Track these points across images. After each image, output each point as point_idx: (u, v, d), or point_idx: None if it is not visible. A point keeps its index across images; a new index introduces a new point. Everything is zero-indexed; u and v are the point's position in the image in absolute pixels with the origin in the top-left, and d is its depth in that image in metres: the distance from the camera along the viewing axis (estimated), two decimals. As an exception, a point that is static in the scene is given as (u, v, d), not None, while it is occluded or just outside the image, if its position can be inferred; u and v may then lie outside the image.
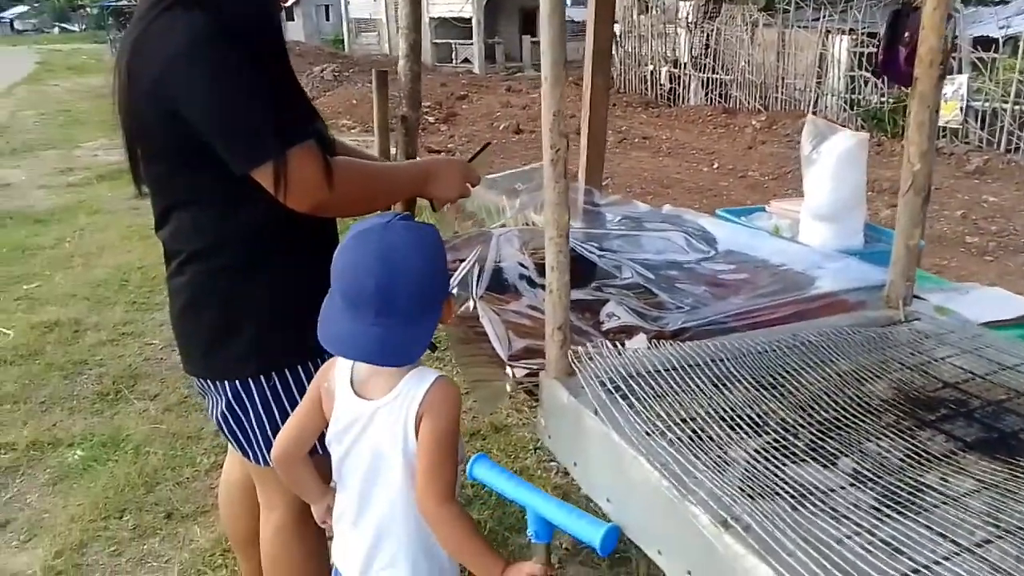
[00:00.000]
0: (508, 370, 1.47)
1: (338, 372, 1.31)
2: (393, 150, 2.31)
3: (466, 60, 21.06)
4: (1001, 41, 8.75)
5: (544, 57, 1.23)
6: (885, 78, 8.55)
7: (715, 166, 8.49)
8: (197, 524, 2.47)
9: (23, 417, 3.11)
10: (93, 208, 6.18)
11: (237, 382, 1.51)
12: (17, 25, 57.85)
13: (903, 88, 8.77)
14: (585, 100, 2.59)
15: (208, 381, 1.56)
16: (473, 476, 1.26)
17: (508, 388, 1.46)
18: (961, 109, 8.66)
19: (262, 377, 1.51)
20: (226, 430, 1.59)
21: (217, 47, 1.27)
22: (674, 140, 10.03)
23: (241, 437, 1.56)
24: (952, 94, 8.58)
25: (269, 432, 1.51)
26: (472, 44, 21.01)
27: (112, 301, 4.25)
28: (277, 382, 1.51)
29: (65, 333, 3.84)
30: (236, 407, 1.53)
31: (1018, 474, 1.03)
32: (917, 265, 2.27)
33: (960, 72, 8.84)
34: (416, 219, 1.82)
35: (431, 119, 10.90)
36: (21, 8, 62.70)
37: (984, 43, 8.91)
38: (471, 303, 1.69)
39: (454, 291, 1.75)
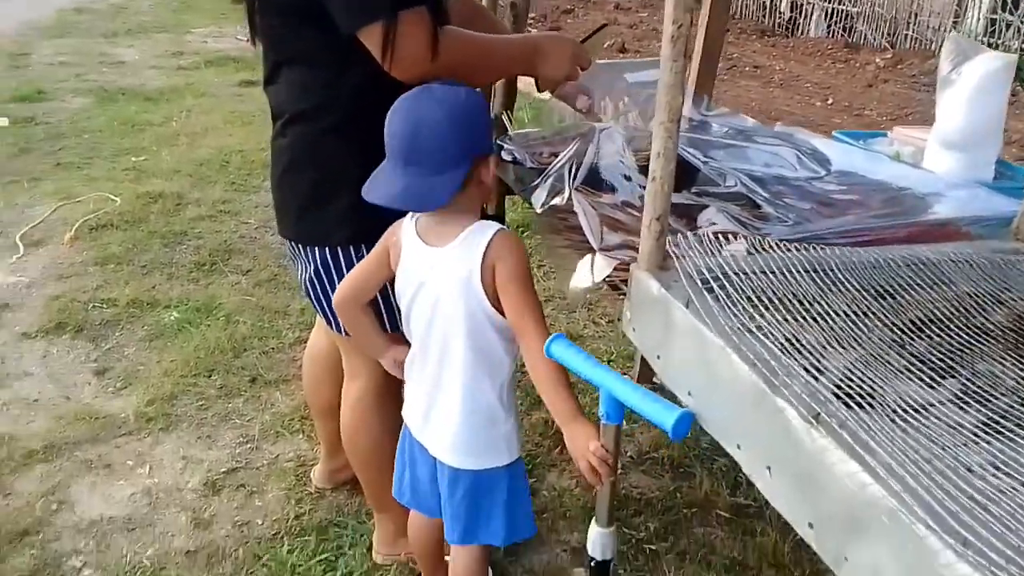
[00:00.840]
0: (599, 260, 1.43)
1: (405, 225, 1.38)
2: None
3: (575, -26, 20.19)
4: None
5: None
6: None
7: (829, 102, 7.99)
8: (279, 391, 2.59)
9: (125, 278, 3.29)
10: (200, 91, 6.34)
11: (327, 249, 1.54)
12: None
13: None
14: (702, 23, 2.43)
15: (299, 245, 1.59)
16: (550, 354, 1.25)
17: (596, 278, 1.42)
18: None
19: (351, 247, 1.53)
20: (312, 296, 1.63)
21: None
22: (788, 72, 9.46)
23: (326, 304, 1.60)
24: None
25: None
26: (583, -42, 20.09)
27: (213, 180, 4.40)
28: (366, 252, 1.53)
29: (168, 205, 4.01)
30: (323, 274, 1.56)
31: None
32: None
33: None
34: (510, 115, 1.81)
35: (533, 31, 10.62)
36: None
37: None
38: (565, 194, 1.65)
39: (548, 182, 1.71)
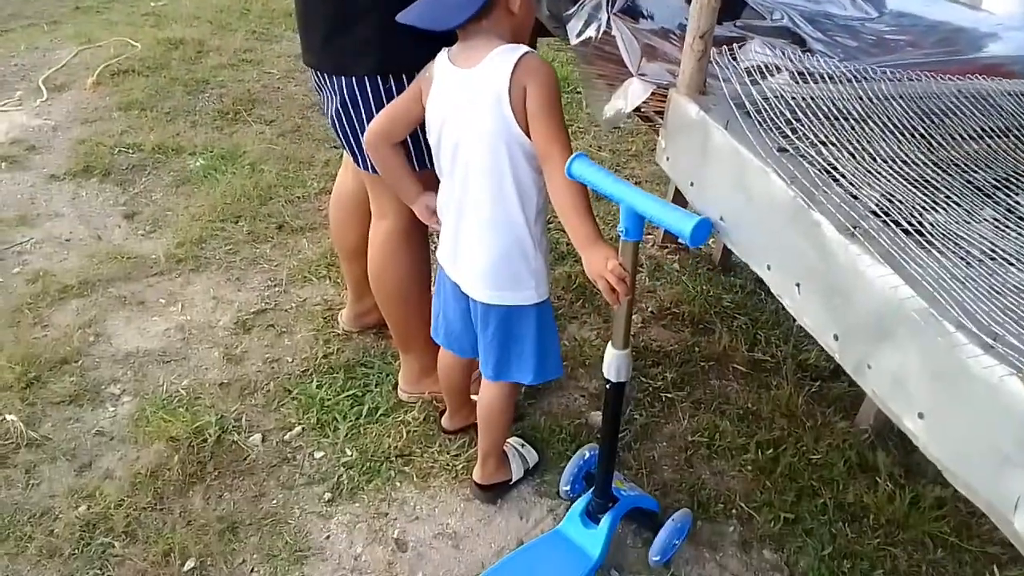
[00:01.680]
0: (635, 84, 1.38)
1: (438, 58, 1.35)
2: None
3: None
4: None
5: None
6: None
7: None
8: (305, 238, 2.61)
9: (149, 123, 3.26)
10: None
11: (354, 78, 1.49)
12: None
13: None
14: None
15: (324, 75, 1.54)
16: (571, 173, 1.23)
17: (628, 104, 1.37)
18: None
19: (379, 77, 1.48)
20: (339, 129, 1.59)
21: None
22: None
23: (352, 138, 1.57)
24: None
25: None
26: None
27: (234, 28, 4.27)
28: (393, 85, 1.48)
29: (189, 52, 3.92)
30: (350, 104, 1.53)
31: None
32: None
33: None
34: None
35: None
36: None
37: None
38: (602, 22, 1.57)
39: (585, 9, 1.62)
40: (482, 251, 1.41)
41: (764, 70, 1.42)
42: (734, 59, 1.52)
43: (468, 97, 1.30)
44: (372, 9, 1.43)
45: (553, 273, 2.46)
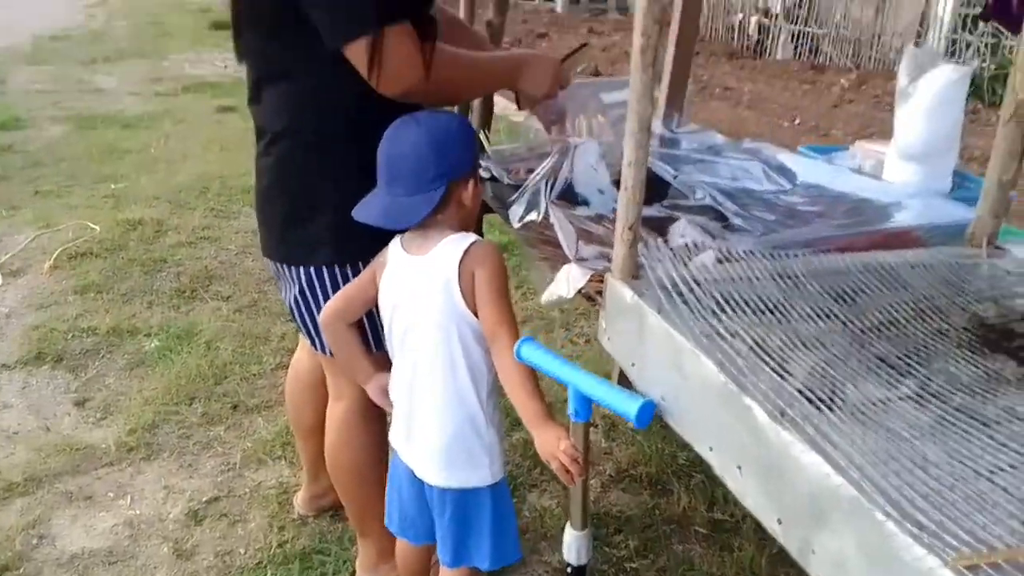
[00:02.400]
0: (573, 270, 1.47)
1: (391, 244, 1.44)
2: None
3: None
4: None
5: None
6: (992, 24, 8.02)
7: (796, 122, 8.17)
8: (261, 417, 2.59)
9: (105, 306, 3.28)
10: (178, 117, 6.36)
11: (312, 268, 1.56)
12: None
13: (1008, 48, 8.23)
14: (673, 25, 2.51)
15: (283, 265, 1.61)
16: (520, 356, 1.29)
17: (572, 289, 1.46)
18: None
19: (336, 266, 1.55)
20: (296, 316, 1.65)
21: None
22: (756, 93, 9.66)
23: (311, 324, 1.62)
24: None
25: None
26: (555, -17, 20.40)
27: (192, 206, 4.41)
28: (350, 272, 1.55)
29: (148, 232, 4.01)
30: (308, 293, 1.59)
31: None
32: (1006, 219, 2.16)
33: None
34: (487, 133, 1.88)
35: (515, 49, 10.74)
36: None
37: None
38: (541, 208, 1.70)
39: (525, 197, 1.75)
40: (435, 431, 1.43)
41: (692, 249, 1.54)
42: (665, 241, 1.65)
43: (420, 282, 1.37)
44: (327, 204, 1.51)
45: (510, 439, 2.47)
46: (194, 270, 3.63)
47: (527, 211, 1.73)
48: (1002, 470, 0.85)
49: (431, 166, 1.31)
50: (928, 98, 1.97)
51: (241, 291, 3.45)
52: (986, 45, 8.78)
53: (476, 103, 2.25)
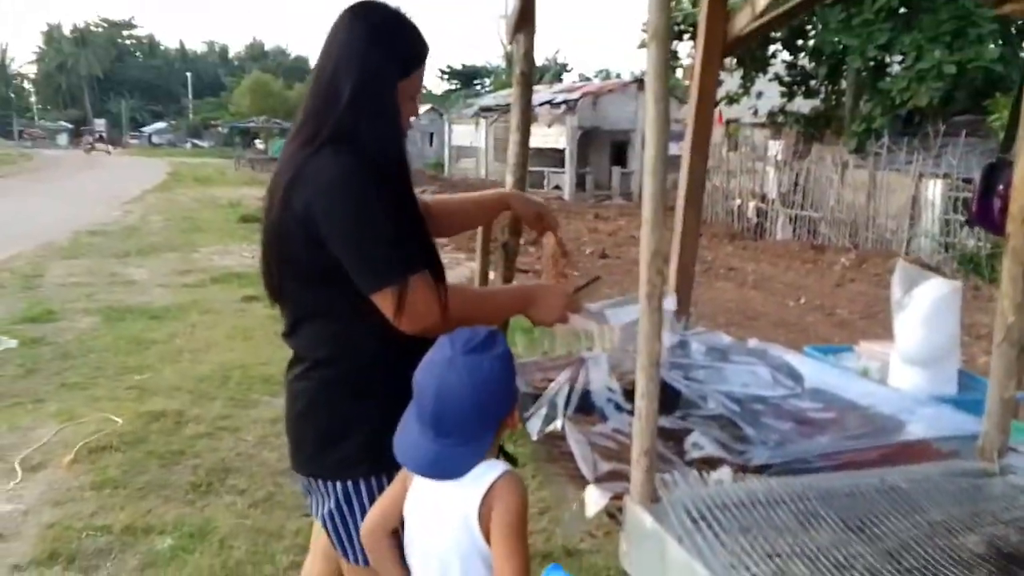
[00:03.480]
0: (594, 493, 1.51)
1: None
2: (492, 274, 2.48)
3: (557, 187, 21.88)
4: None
5: (645, 203, 1.35)
6: (979, 228, 8.39)
7: (801, 301, 8.40)
8: (272, 622, 2.52)
9: (121, 502, 3.28)
10: (204, 307, 6.64)
11: (349, 482, 1.61)
12: (155, 139, 64.14)
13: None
14: (676, 233, 2.70)
15: (317, 480, 1.65)
16: None
17: (593, 511, 1.49)
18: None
19: (373, 478, 1.60)
20: (330, 529, 1.66)
21: (360, 182, 1.48)
22: (760, 273, 10.01)
23: (344, 537, 1.64)
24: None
25: None
26: (564, 172, 21.89)
27: (213, 396, 4.50)
28: (386, 481, 1.59)
29: (168, 423, 4.08)
30: (344, 506, 1.62)
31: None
32: (1015, 417, 2.21)
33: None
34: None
35: (520, 241, 11.26)
36: (160, 124, 69.82)
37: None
38: (559, 423, 1.76)
39: (542, 411, 1.82)
40: None
41: (708, 468, 1.59)
42: (681, 454, 1.70)
43: (442, 510, 1.39)
44: (363, 425, 1.59)
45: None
46: (211, 462, 3.65)
47: (545, 423, 1.78)
48: None
49: (483, 416, 1.36)
50: (923, 309, 2.09)
51: (257, 484, 3.45)
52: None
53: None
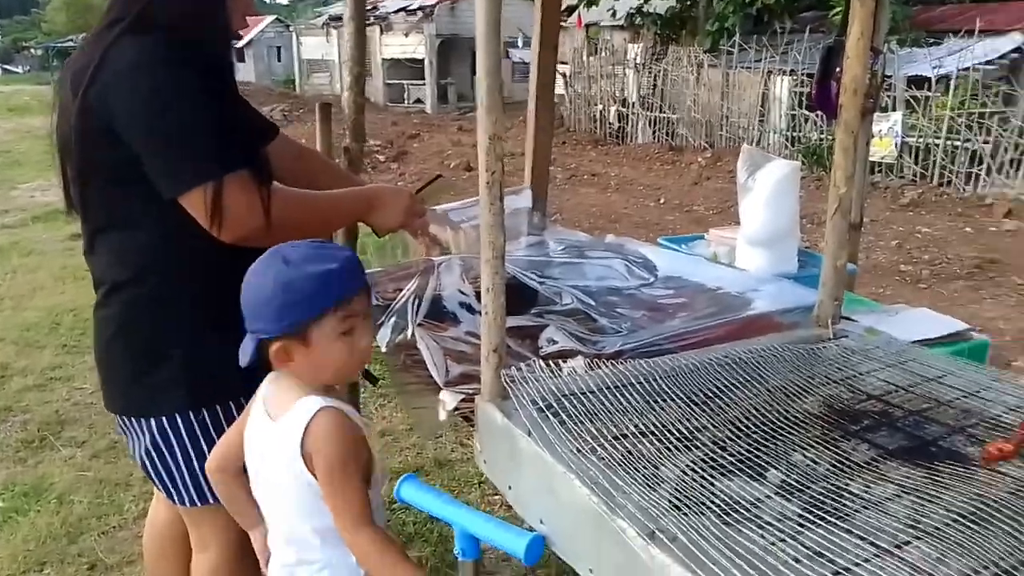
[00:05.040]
0: (445, 396, 1.45)
1: (258, 393, 1.32)
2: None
3: (418, 100, 21.23)
4: (934, 80, 9.15)
5: (479, 84, 1.24)
6: (819, 112, 8.87)
7: (662, 201, 8.66)
8: (122, 574, 2.36)
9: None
10: (27, 249, 5.98)
11: (164, 418, 1.46)
12: (-43, 67, 56.52)
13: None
14: (529, 133, 2.62)
15: (129, 419, 1.50)
16: (400, 497, 1.24)
17: (444, 414, 1.44)
18: (896, 145, 9.01)
19: (191, 412, 1.46)
20: (150, 469, 1.52)
21: (163, 67, 1.28)
22: (622, 177, 10.21)
23: (166, 477, 1.50)
24: (887, 130, 8.93)
25: (198, 470, 1.46)
26: (424, 84, 21.19)
27: (41, 344, 4.10)
28: (206, 417, 1.46)
29: (-11, 378, 3.68)
30: (161, 444, 1.47)
31: (937, 479, 1.05)
32: (850, 289, 2.33)
33: (895, 110, 9.22)
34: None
35: (381, 157, 10.91)
36: (-41, 51, 61.56)
37: (918, 82, 9.31)
38: (409, 331, 1.68)
39: (391, 320, 1.73)
40: None
41: (561, 360, 1.56)
42: (536, 350, 1.66)
43: (271, 453, 1.26)
44: (175, 350, 1.43)
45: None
46: (43, 415, 3.33)
47: (395, 333, 1.70)
48: (858, 565, 0.87)
49: (280, 308, 1.17)
50: (765, 191, 2.12)
51: (98, 434, 3.18)
52: (822, 118, 9.68)
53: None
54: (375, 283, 2.05)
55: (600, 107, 13.82)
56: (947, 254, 6.15)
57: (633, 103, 13.18)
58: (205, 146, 1.30)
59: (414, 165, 10.52)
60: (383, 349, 1.71)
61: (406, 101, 20.89)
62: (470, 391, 1.44)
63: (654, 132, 12.87)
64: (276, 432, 1.24)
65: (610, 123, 13.51)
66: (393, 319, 1.74)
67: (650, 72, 12.92)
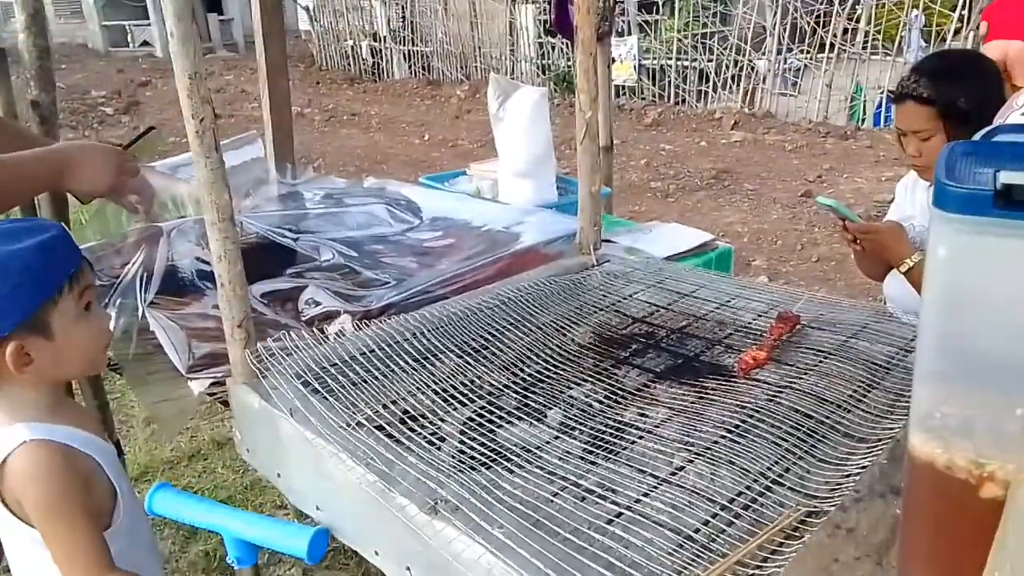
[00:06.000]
0: (190, 383, 1.26)
1: None
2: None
3: (146, 43, 18.98)
4: (661, 3, 9.78)
5: (168, 12, 1.04)
6: (560, 36, 9.17)
7: (426, 138, 8.54)
8: None
9: None
10: None
11: None
12: None
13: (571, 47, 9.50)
14: (261, 71, 2.36)
15: None
16: (153, 511, 1.06)
17: (192, 404, 1.25)
18: (635, 68, 9.59)
19: None
20: None
21: None
22: (383, 115, 9.92)
23: None
24: (625, 54, 9.46)
25: None
26: (150, 25, 18.95)
27: None
28: None
29: None
30: None
31: (702, 395, 1.08)
32: (608, 211, 2.40)
33: (630, 34, 9.77)
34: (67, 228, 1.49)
35: (109, 110, 9.64)
36: None
37: (647, 7, 9.91)
38: (139, 312, 1.44)
39: (117, 302, 1.48)
40: None
41: (326, 320, 1.43)
42: (296, 314, 1.51)
43: None
44: None
45: (188, 555, 2.16)
46: None
47: (124, 316, 1.46)
48: (639, 501, 0.87)
49: None
50: (518, 120, 2.09)
51: None
52: (568, 45, 10.01)
53: (42, 196, 1.86)
54: (97, 259, 1.75)
55: (351, 42, 13.24)
56: (688, 168, 6.70)
57: (384, 37, 12.78)
58: None
59: (150, 116, 9.41)
60: (114, 336, 1.46)
61: (131, 45, 18.59)
62: (221, 374, 1.27)
63: (410, 67, 12.61)
64: None
65: (364, 59, 13.01)
66: (118, 301, 1.49)
67: (397, 3, 12.54)
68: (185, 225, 1.69)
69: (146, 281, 1.50)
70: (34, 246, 0.93)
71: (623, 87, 9.64)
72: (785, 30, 8.42)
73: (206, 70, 1.12)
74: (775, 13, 8.46)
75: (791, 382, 1.09)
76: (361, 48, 13.06)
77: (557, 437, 1.02)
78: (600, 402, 1.09)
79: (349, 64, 13.34)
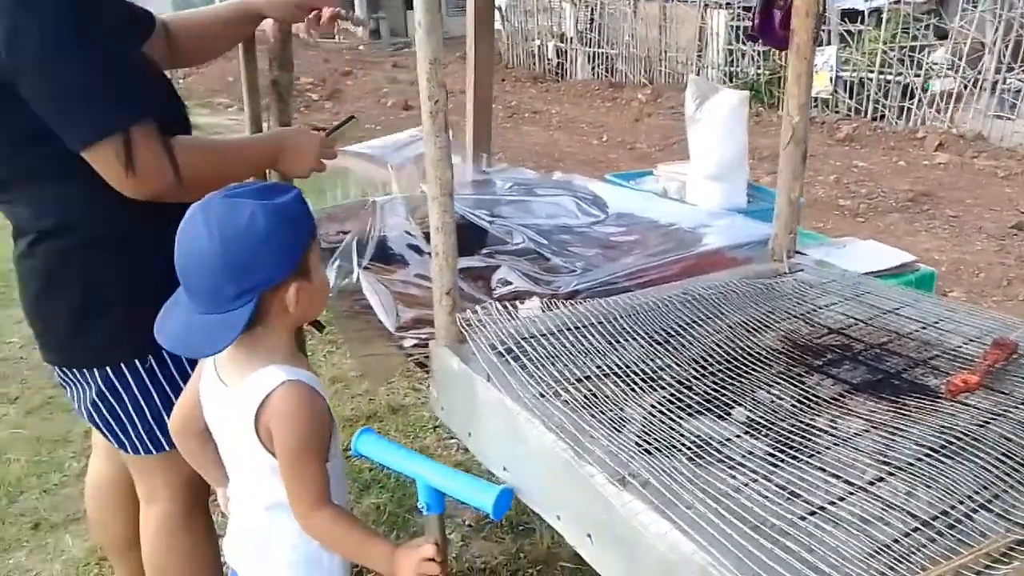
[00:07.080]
0: (396, 342, 1.39)
1: (206, 360, 1.22)
2: (265, 124, 2.16)
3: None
4: (866, 13, 9.21)
5: (417, 5, 1.15)
6: (761, 42, 8.86)
7: (604, 139, 8.59)
8: (68, 533, 2.27)
9: None
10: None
11: (108, 368, 1.38)
12: None
13: (777, 54, 9.13)
14: (469, 67, 2.50)
15: (72, 370, 1.41)
16: (358, 452, 1.18)
17: (397, 361, 1.38)
18: (831, 80, 9.10)
19: (136, 361, 1.38)
20: (98, 420, 1.45)
21: (59, 19, 1.14)
22: (563, 114, 10.07)
23: (116, 427, 1.43)
24: (822, 65, 8.99)
25: (150, 418, 1.40)
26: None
27: (-41, 299, 3.85)
28: (154, 364, 1.39)
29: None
30: (109, 395, 1.40)
31: (902, 412, 1.05)
32: (798, 223, 2.32)
33: (829, 43, 9.26)
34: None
35: (315, 96, 10.49)
36: None
37: (851, 16, 9.36)
38: (355, 275, 1.60)
39: (335, 264, 1.65)
40: (272, 566, 1.23)
41: (517, 302, 1.51)
42: (489, 291, 1.61)
43: (226, 417, 1.17)
44: (120, 295, 1.34)
45: (360, 506, 2.33)
46: (-31, 374, 3.15)
47: (339, 278, 1.62)
48: (833, 504, 0.86)
49: (227, 283, 1.03)
50: (714, 123, 2.08)
51: (32, 389, 3.03)
52: (759, 53, 9.69)
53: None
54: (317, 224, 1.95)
55: (538, 42, 13.53)
56: (882, 187, 6.28)
57: (571, 38, 12.94)
58: (106, 95, 1.19)
59: (350, 103, 10.15)
60: (330, 295, 1.63)
61: (336, 37, 20.06)
62: (423, 336, 1.38)
63: (593, 68, 12.69)
64: (231, 399, 1.14)
65: (549, 59, 13.26)
66: (337, 263, 1.65)
67: (587, 5, 12.66)
68: (395, 201, 1.84)
69: (360, 248, 1.65)
70: (295, 197, 1.08)
71: (816, 99, 9.17)
72: (1007, 47, 7.66)
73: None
74: (996, 29, 7.72)
75: (1005, 411, 1.03)
76: (547, 48, 13.30)
77: (744, 434, 1.03)
78: (790, 406, 1.09)
79: (534, 63, 13.63)
